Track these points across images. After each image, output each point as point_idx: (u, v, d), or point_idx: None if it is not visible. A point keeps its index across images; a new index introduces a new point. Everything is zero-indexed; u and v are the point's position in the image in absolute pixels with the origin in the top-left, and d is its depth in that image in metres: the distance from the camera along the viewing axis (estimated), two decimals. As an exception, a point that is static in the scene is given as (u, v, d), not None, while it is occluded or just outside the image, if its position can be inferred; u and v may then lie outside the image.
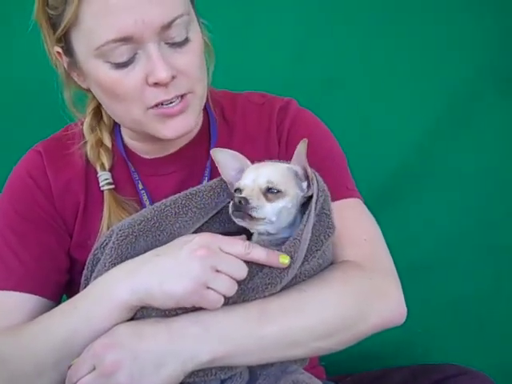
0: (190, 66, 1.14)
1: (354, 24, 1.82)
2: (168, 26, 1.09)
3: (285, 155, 1.27)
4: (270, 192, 1.04)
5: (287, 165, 1.09)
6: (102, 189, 1.25)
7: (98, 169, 1.27)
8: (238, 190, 1.06)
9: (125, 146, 1.31)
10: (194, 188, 1.13)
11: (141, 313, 1.04)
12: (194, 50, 1.14)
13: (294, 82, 1.76)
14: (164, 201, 1.12)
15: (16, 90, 1.76)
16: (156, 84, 1.10)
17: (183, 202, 1.10)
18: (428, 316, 1.79)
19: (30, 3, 1.16)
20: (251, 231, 1.10)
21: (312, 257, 1.07)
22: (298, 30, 1.82)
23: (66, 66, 1.20)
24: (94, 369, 1.00)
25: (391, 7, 1.82)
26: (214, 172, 1.26)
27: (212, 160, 1.25)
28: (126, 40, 1.07)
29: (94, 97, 1.26)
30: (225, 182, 1.13)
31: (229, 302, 1.03)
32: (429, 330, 1.81)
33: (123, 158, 1.29)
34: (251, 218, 1.02)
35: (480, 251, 1.85)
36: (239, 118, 1.33)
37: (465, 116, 1.85)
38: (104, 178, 1.26)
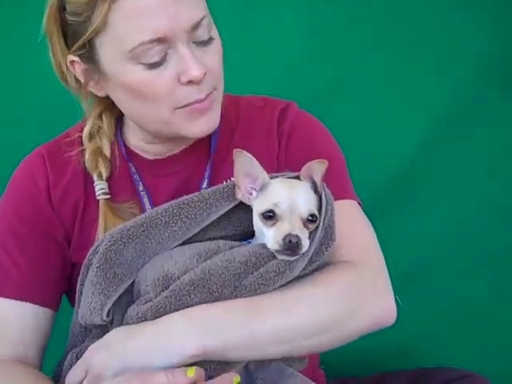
0: (215, 64, 1.17)
1: (355, 26, 1.81)
2: (197, 25, 1.11)
3: (284, 157, 1.28)
4: (310, 221, 1.03)
5: (303, 182, 1.08)
6: (97, 198, 1.25)
7: (95, 178, 1.26)
8: (271, 211, 1.03)
9: (126, 147, 1.31)
10: (188, 197, 1.12)
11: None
12: (217, 49, 1.18)
13: (294, 85, 1.75)
14: (157, 208, 1.12)
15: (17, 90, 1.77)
16: (190, 82, 1.12)
17: (174, 211, 1.10)
18: (428, 320, 1.79)
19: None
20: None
21: (310, 266, 1.07)
22: (300, 33, 1.82)
23: (81, 75, 1.19)
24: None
25: (392, 9, 1.80)
26: (213, 175, 1.28)
27: (211, 163, 1.28)
28: (160, 40, 1.08)
29: (97, 104, 1.27)
30: (220, 194, 1.12)
31: (221, 298, 1.03)
32: (429, 333, 1.80)
33: (124, 158, 1.29)
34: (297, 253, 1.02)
35: (478, 256, 1.84)
36: (241, 120, 1.33)
37: (465, 123, 1.83)
38: (100, 187, 1.25)
